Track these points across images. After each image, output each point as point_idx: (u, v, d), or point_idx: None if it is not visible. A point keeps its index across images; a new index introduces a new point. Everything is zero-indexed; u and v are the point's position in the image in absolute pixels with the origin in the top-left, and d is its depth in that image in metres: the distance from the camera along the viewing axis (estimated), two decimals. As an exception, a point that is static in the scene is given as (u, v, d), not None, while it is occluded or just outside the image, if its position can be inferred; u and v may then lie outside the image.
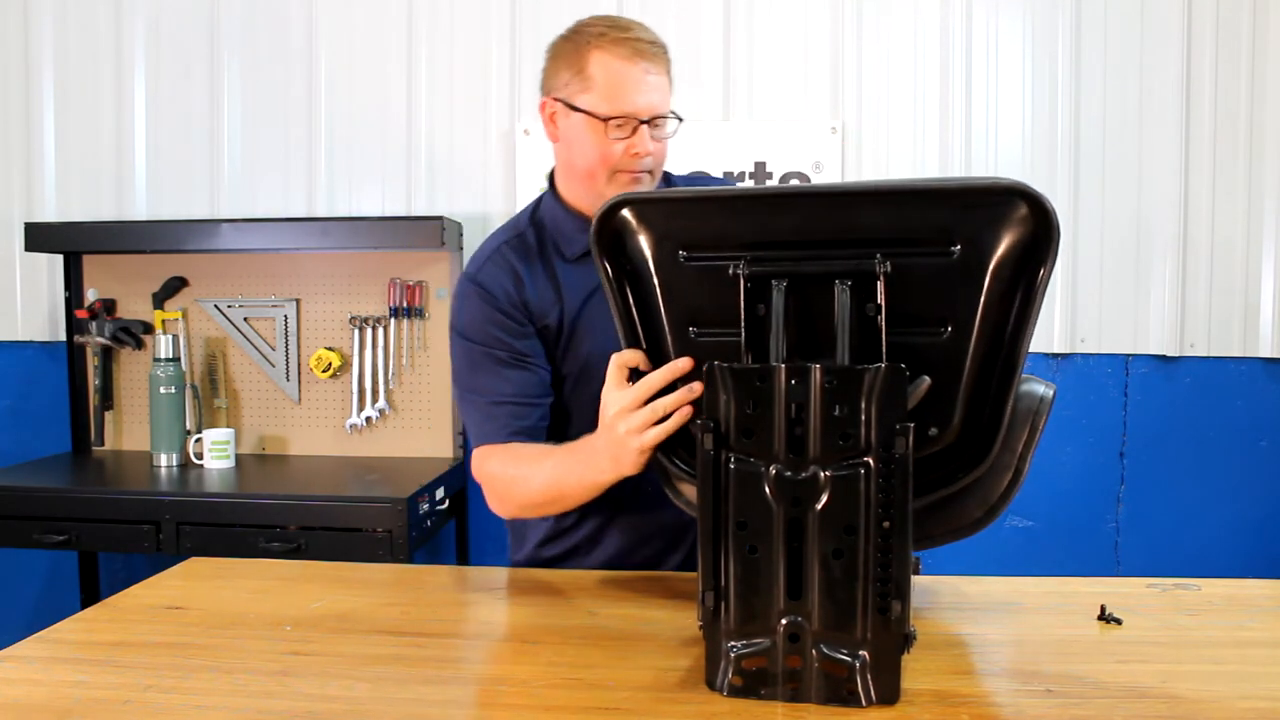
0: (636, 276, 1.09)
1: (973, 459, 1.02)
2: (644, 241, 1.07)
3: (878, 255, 0.97)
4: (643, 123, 1.33)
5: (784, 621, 0.92)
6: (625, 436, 1.10)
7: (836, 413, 0.90)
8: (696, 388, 1.04)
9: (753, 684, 0.93)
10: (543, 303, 1.39)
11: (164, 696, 0.93)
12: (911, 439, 0.89)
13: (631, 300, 1.10)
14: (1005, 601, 1.22)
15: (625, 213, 1.06)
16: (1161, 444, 2.61)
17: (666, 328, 1.09)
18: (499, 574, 1.40)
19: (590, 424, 1.21)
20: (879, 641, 0.90)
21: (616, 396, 1.11)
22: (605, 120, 1.32)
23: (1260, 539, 2.60)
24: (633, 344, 1.12)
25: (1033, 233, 0.96)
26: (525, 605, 1.23)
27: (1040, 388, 1.09)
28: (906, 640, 0.91)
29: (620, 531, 1.42)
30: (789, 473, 0.91)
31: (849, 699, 0.90)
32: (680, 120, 1.39)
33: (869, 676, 0.90)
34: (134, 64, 2.78)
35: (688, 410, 1.07)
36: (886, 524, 0.89)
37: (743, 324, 1.01)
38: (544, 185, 1.54)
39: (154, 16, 2.77)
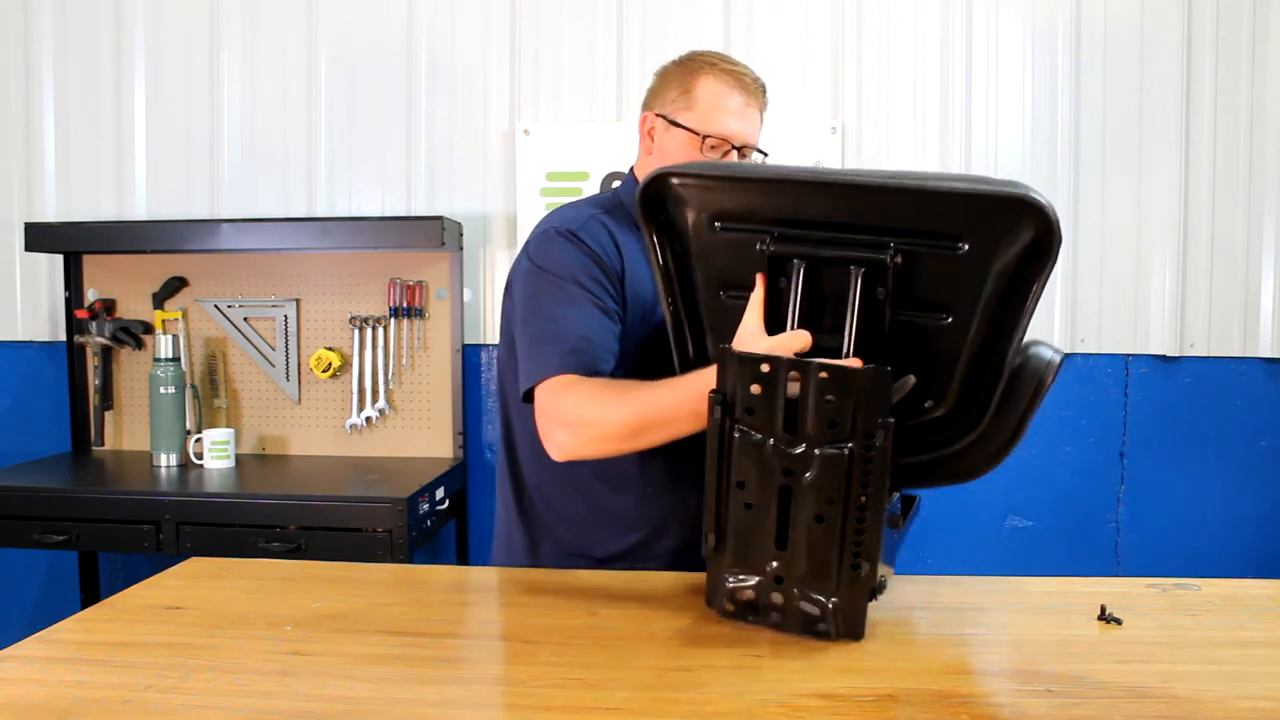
0: (677, 239, 1.20)
1: (968, 426, 1.13)
2: (686, 209, 1.17)
3: (891, 245, 1.05)
4: (734, 148, 1.42)
5: (772, 564, 1.05)
6: None
7: (829, 403, 1.00)
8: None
9: (743, 611, 1.09)
10: (639, 274, 1.40)
11: (164, 696, 0.93)
12: (891, 434, 0.99)
13: (671, 262, 1.21)
14: (1005, 601, 1.22)
15: (671, 181, 1.16)
16: (1161, 444, 2.61)
17: (700, 288, 1.20)
18: (499, 574, 1.40)
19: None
20: (849, 592, 1.04)
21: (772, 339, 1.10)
22: (702, 138, 1.41)
23: (1260, 539, 2.60)
24: (670, 299, 1.22)
25: (1035, 240, 1.03)
26: (525, 605, 1.23)
27: (1048, 353, 1.13)
28: (874, 592, 1.05)
29: (679, 527, 1.43)
30: (784, 447, 1.02)
31: (821, 634, 1.05)
32: (765, 155, 1.48)
33: (838, 618, 1.05)
34: (134, 64, 2.78)
35: None
36: (863, 499, 1.01)
37: (763, 298, 1.12)
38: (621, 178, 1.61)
39: (154, 16, 2.77)
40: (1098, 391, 2.62)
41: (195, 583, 1.31)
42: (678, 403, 1.19)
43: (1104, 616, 1.13)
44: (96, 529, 2.25)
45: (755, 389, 1.01)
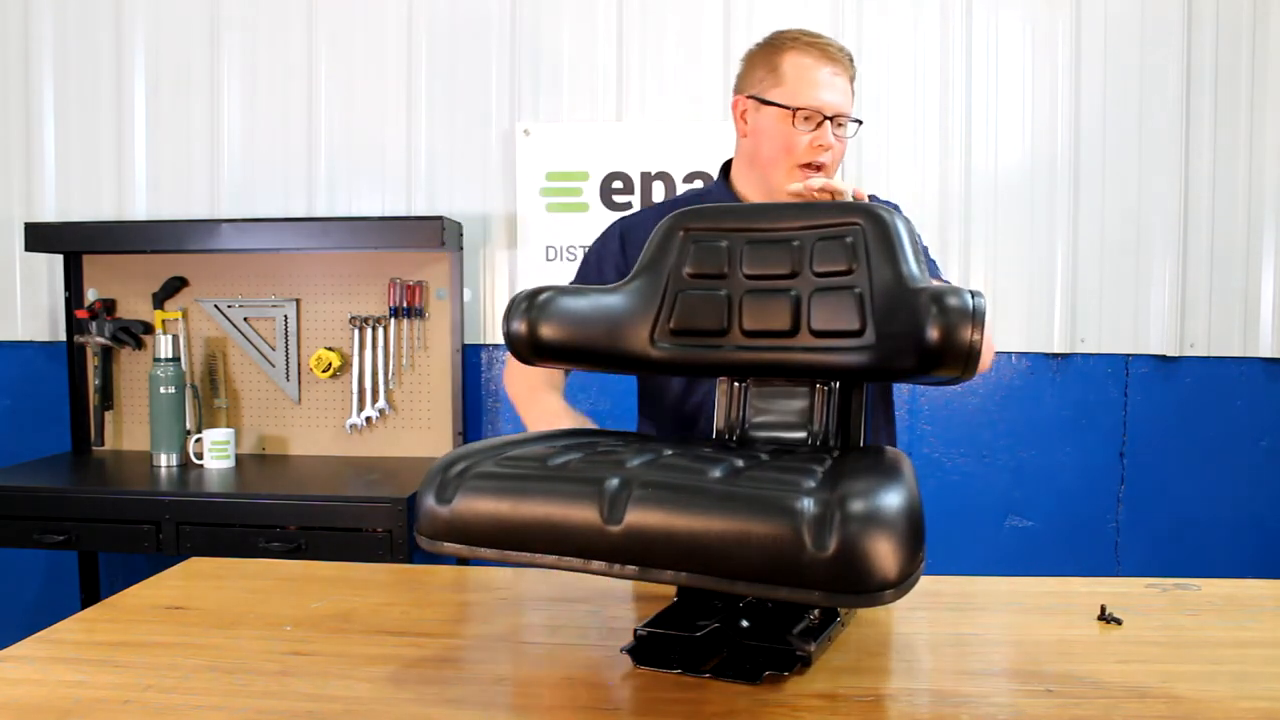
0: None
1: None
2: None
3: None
4: (826, 119, 1.45)
5: None
6: None
7: None
8: None
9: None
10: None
11: (164, 696, 0.93)
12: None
13: None
14: (1005, 601, 1.22)
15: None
16: (1161, 444, 2.61)
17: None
18: (499, 574, 1.40)
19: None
20: None
21: None
22: (794, 112, 1.44)
23: (1260, 539, 2.60)
24: None
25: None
26: (525, 605, 1.23)
27: (970, 298, 0.99)
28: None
29: None
30: None
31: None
32: (860, 124, 1.51)
33: None
34: (134, 64, 2.78)
35: None
36: None
37: None
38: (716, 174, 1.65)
39: (154, 17, 2.77)
40: (1098, 391, 2.62)
41: (195, 583, 1.31)
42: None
43: (1104, 616, 1.13)
44: (96, 529, 2.25)
45: None
